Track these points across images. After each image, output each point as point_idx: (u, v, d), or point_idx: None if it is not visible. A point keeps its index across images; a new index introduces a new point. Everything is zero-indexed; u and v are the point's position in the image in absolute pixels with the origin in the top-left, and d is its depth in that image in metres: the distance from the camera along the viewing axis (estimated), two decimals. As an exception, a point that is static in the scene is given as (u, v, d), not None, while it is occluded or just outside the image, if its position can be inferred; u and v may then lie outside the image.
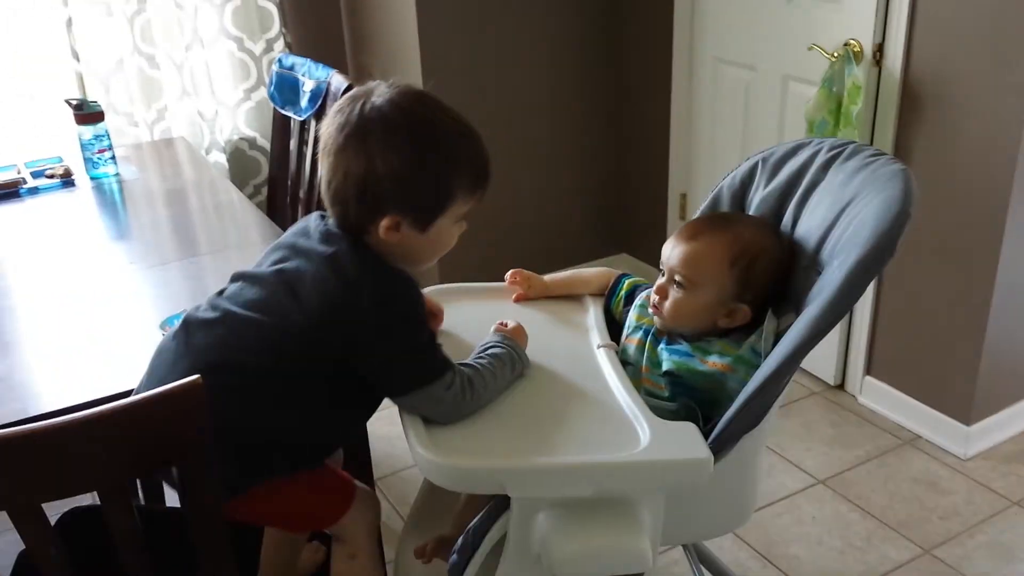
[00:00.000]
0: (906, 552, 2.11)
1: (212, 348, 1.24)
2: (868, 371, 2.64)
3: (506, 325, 1.38)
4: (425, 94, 1.24)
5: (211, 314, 1.26)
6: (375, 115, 1.19)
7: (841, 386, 2.74)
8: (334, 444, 1.44)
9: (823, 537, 2.17)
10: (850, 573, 2.06)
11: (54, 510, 1.41)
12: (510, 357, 1.31)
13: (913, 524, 2.19)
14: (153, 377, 1.26)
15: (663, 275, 1.44)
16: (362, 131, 1.19)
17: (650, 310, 1.45)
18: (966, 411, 2.39)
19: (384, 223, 1.21)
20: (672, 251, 1.43)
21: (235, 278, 1.31)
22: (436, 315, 1.47)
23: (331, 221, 1.26)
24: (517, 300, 1.58)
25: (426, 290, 1.57)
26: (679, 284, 1.40)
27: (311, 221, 1.29)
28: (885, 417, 2.59)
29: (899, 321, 2.51)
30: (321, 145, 1.23)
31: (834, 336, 2.66)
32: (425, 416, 1.23)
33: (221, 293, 1.31)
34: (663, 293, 1.43)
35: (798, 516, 2.24)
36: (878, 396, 2.62)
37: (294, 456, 1.27)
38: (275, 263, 1.28)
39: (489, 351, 1.31)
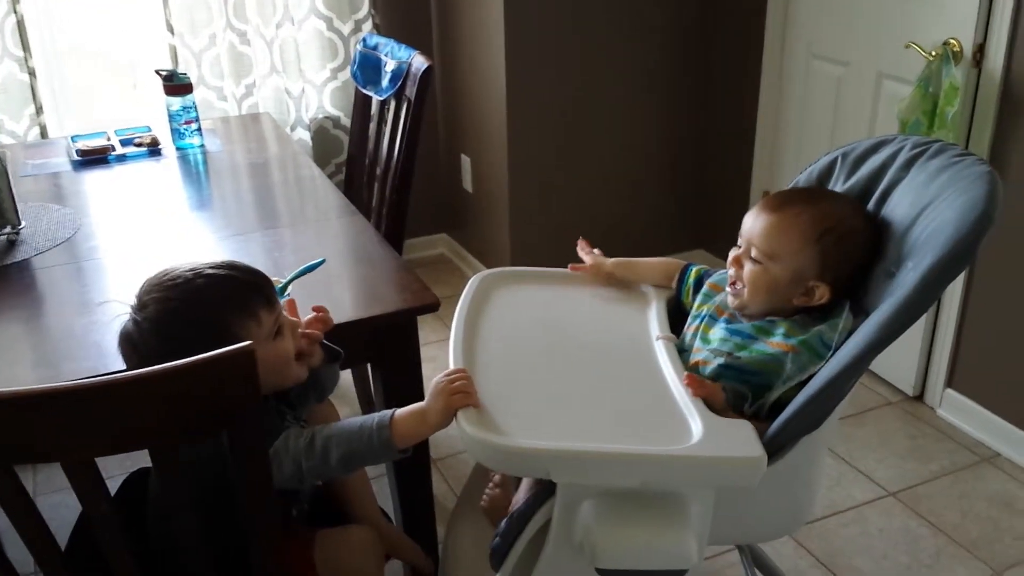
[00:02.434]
0: (976, 572, 2.02)
1: None
2: (949, 383, 2.54)
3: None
4: (150, 294, 1.24)
5: None
6: (129, 341, 1.24)
7: (920, 397, 2.64)
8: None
9: (888, 551, 2.09)
10: (915, 590, 1.99)
11: (123, 470, 1.47)
12: (365, 439, 1.23)
13: (985, 544, 2.10)
14: None
15: (739, 248, 1.40)
16: (127, 359, 1.26)
17: (727, 289, 1.42)
18: (1052, 431, 2.28)
19: None
20: (754, 222, 1.38)
21: None
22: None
23: None
24: (575, 269, 1.59)
25: (484, 272, 1.57)
26: (754, 259, 1.36)
27: None
28: (964, 432, 2.49)
29: (986, 333, 2.40)
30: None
31: (915, 345, 2.57)
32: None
33: None
34: (739, 265, 1.38)
35: (864, 528, 2.17)
36: (958, 410, 2.52)
37: None
38: None
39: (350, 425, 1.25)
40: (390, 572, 1.92)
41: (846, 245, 1.34)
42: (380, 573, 1.45)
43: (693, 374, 1.29)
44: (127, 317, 1.25)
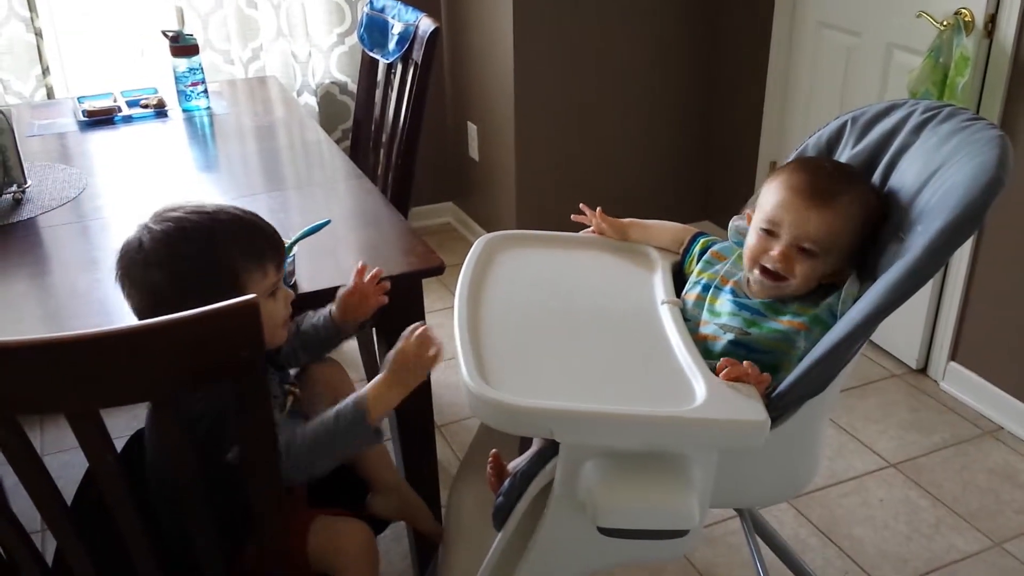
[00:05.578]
0: (975, 544, 2.03)
1: None
2: (953, 356, 2.54)
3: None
4: (170, 212, 1.22)
5: None
6: (135, 247, 1.21)
7: (923, 370, 2.64)
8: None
9: (889, 521, 2.10)
10: (914, 559, 1.99)
11: (130, 430, 1.47)
12: (343, 424, 1.22)
13: (985, 516, 2.11)
14: None
15: (772, 235, 1.34)
16: (126, 264, 1.22)
17: (762, 278, 1.35)
18: (1055, 405, 2.28)
19: None
20: (803, 216, 1.31)
21: None
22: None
23: None
24: (595, 232, 1.61)
25: (488, 235, 1.57)
26: (809, 252, 1.32)
27: None
28: (967, 405, 2.49)
29: (991, 306, 2.40)
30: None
31: (919, 318, 2.57)
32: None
33: None
34: (787, 260, 1.32)
35: (865, 498, 2.17)
36: (961, 383, 2.52)
37: None
38: None
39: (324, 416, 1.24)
40: (392, 538, 1.94)
41: (873, 229, 1.35)
42: (373, 574, 1.44)
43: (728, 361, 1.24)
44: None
